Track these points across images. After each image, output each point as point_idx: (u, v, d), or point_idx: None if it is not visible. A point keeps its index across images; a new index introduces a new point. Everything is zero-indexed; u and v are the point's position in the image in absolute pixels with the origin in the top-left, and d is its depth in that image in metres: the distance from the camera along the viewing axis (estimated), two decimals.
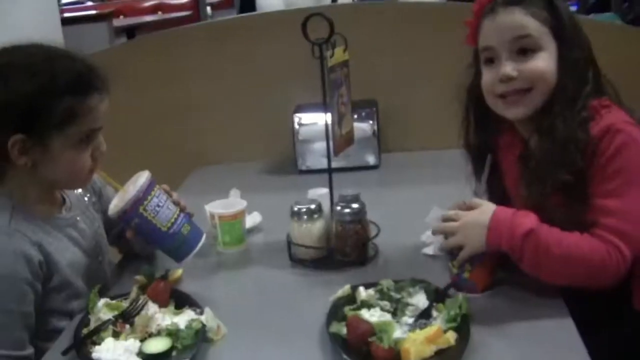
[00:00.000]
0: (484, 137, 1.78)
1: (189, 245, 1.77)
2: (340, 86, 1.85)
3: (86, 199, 1.87)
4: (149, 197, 1.70)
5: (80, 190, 1.86)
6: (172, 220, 1.74)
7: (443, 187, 2.16)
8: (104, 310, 1.57)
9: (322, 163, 2.32)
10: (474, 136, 1.80)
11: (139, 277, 1.69)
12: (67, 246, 1.71)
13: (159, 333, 1.49)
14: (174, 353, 1.44)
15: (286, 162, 2.61)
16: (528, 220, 1.52)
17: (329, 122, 1.82)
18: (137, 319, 1.52)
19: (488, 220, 1.54)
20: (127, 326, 1.52)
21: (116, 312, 1.56)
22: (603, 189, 1.52)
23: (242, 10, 8.52)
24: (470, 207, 1.61)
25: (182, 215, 1.77)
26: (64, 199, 1.80)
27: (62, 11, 7.79)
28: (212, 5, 9.85)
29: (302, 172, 2.54)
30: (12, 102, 1.57)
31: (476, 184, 1.75)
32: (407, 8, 2.85)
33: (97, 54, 2.91)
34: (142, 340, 1.47)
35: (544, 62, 1.60)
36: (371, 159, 2.54)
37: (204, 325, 1.49)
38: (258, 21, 2.95)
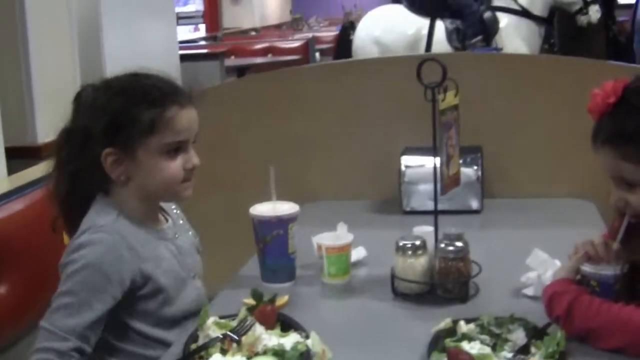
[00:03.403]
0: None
1: (290, 276, 2.05)
2: (450, 129, 1.93)
3: (182, 222, 1.99)
4: (295, 223, 2.02)
5: (180, 214, 1.99)
6: (294, 250, 2.03)
7: (544, 232, 2.22)
8: (212, 327, 1.64)
9: (426, 205, 2.42)
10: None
11: (247, 300, 1.78)
12: (165, 256, 1.82)
13: (265, 353, 1.57)
14: None
15: (391, 202, 2.67)
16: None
17: (437, 163, 1.89)
18: (244, 338, 1.60)
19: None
20: (235, 345, 1.59)
21: (225, 331, 1.63)
22: None
23: (339, 55, 8.66)
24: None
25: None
26: (166, 220, 1.92)
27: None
28: (321, 51, 10.08)
29: (406, 212, 2.61)
30: (101, 119, 1.74)
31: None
32: (516, 59, 2.91)
33: (210, 89, 3.07)
34: (249, 359, 1.54)
35: None
36: (474, 204, 2.59)
37: (309, 349, 1.56)
38: (369, 64, 3.06)
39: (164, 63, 4.29)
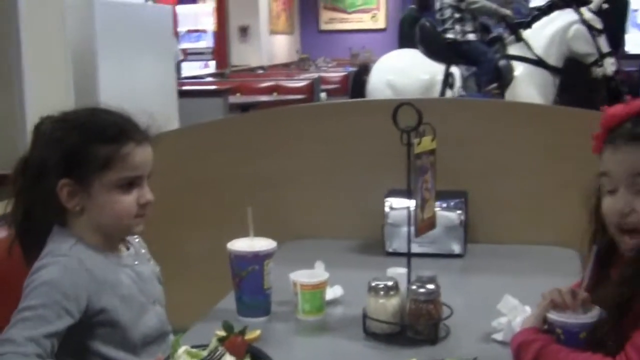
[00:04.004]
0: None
1: (266, 311, 2.10)
2: (425, 173, 1.96)
3: (144, 251, 2.02)
4: (271, 260, 2.07)
5: (141, 243, 2.01)
6: (269, 286, 2.09)
7: (524, 279, 2.23)
8: (184, 357, 1.67)
9: (410, 247, 2.44)
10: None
11: (219, 332, 1.80)
12: (123, 281, 1.84)
13: None
14: None
15: (374, 243, 2.69)
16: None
17: (412, 206, 1.92)
18: None
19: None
20: None
21: None
22: None
23: (353, 96, 8.76)
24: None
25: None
26: (127, 248, 1.95)
27: (181, 84, 8.18)
28: (328, 91, 10.17)
29: (388, 253, 2.63)
30: (57, 151, 1.78)
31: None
32: (505, 107, 2.95)
33: (207, 124, 3.12)
34: None
35: None
36: (456, 248, 2.60)
37: None
38: (358, 106, 3.10)
39: (160, 98, 4.36)
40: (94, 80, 3.89)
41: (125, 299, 1.82)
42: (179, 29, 13.02)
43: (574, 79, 7.27)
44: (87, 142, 1.78)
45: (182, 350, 1.69)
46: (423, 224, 1.96)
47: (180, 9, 13.15)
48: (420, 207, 1.94)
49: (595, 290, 1.68)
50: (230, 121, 3.71)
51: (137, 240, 2.00)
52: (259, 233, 2.13)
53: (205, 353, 1.68)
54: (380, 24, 15.98)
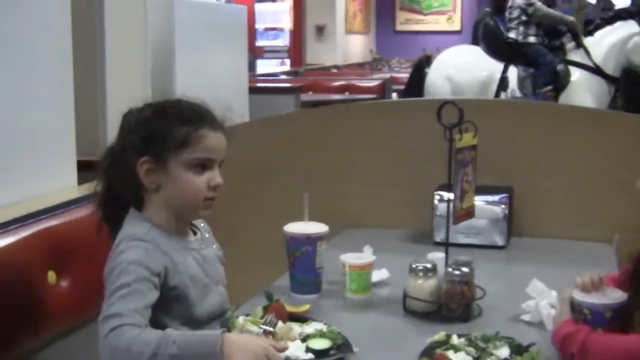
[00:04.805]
0: None
1: (317, 288, 2.31)
2: (467, 166, 2.14)
3: (208, 235, 2.19)
4: (324, 242, 2.28)
5: (206, 228, 2.19)
6: (321, 266, 2.29)
7: (559, 269, 2.38)
8: (248, 324, 1.87)
9: (457, 238, 2.64)
10: None
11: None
12: (191, 264, 2.02)
13: (304, 339, 1.84)
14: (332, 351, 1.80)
15: (424, 233, 2.87)
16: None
17: (451, 196, 2.12)
18: (278, 329, 1.85)
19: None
20: (271, 337, 1.82)
21: (258, 325, 1.86)
22: None
23: (409, 88, 8.82)
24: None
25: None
26: (195, 233, 2.13)
27: (255, 81, 8.41)
28: (398, 91, 10.30)
29: (436, 243, 2.80)
30: (140, 132, 1.97)
31: None
32: (555, 109, 3.10)
33: (271, 118, 3.35)
34: (303, 341, 1.83)
35: None
36: (499, 240, 2.77)
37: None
38: (411, 105, 3.31)
39: (232, 93, 4.60)
40: (171, 76, 4.15)
41: (193, 279, 2.00)
42: (256, 26, 13.26)
43: (634, 89, 7.34)
44: (167, 123, 1.96)
45: (242, 319, 1.90)
46: (462, 213, 2.15)
47: (259, 6, 13.39)
48: (460, 198, 2.13)
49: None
50: (291, 116, 3.94)
51: (202, 224, 2.18)
52: (314, 220, 2.33)
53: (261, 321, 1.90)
54: (456, 26, 16.03)
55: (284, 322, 1.90)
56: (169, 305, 1.93)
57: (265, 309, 1.96)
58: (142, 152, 1.95)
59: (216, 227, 2.24)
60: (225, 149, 2.03)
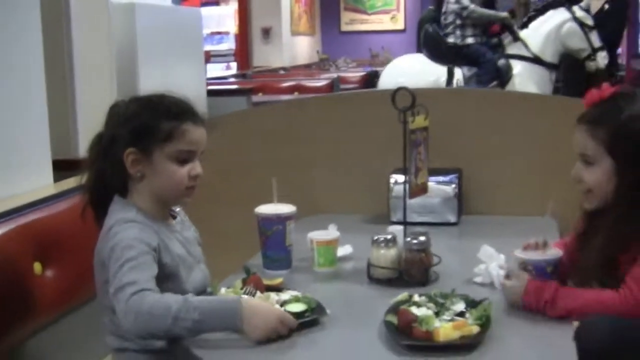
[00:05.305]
0: None
1: (287, 264, 2.50)
2: (419, 145, 2.37)
3: (185, 219, 2.35)
4: (292, 221, 2.46)
5: (182, 212, 2.35)
6: (290, 243, 2.48)
7: (507, 240, 2.59)
8: (228, 293, 2.08)
9: (412, 217, 2.82)
10: None
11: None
12: (176, 244, 2.18)
13: (282, 305, 2.02)
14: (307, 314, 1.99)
15: (382, 215, 3.07)
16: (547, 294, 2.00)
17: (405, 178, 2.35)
18: (257, 298, 2.06)
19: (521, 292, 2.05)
20: None
21: (239, 295, 2.05)
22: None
23: None
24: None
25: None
26: (174, 217, 2.29)
27: (207, 84, 8.53)
28: (347, 90, 10.47)
29: (393, 222, 2.99)
30: (128, 125, 2.12)
31: None
32: (501, 96, 3.33)
33: (234, 114, 3.53)
34: (282, 305, 2.03)
35: (594, 175, 2.09)
36: (451, 217, 2.99)
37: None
38: (366, 96, 3.56)
39: (192, 95, 4.77)
40: (135, 77, 4.32)
41: (180, 258, 2.17)
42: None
43: (574, 74, 7.67)
44: (154, 117, 2.11)
45: (224, 290, 2.12)
46: (417, 188, 2.38)
47: (203, 11, 13.41)
48: (414, 174, 2.35)
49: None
50: (255, 112, 4.13)
51: (178, 209, 2.34)
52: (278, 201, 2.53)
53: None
54: (400, 25, 16.18)
55: (262, 292, 2.11)
56: (161, 283, 2.01)
57: (244, 281, 2.16)
58: (129, 144, 2.11)
59: (194, 220, 2.41)
60: (205, 141, 2.19)
